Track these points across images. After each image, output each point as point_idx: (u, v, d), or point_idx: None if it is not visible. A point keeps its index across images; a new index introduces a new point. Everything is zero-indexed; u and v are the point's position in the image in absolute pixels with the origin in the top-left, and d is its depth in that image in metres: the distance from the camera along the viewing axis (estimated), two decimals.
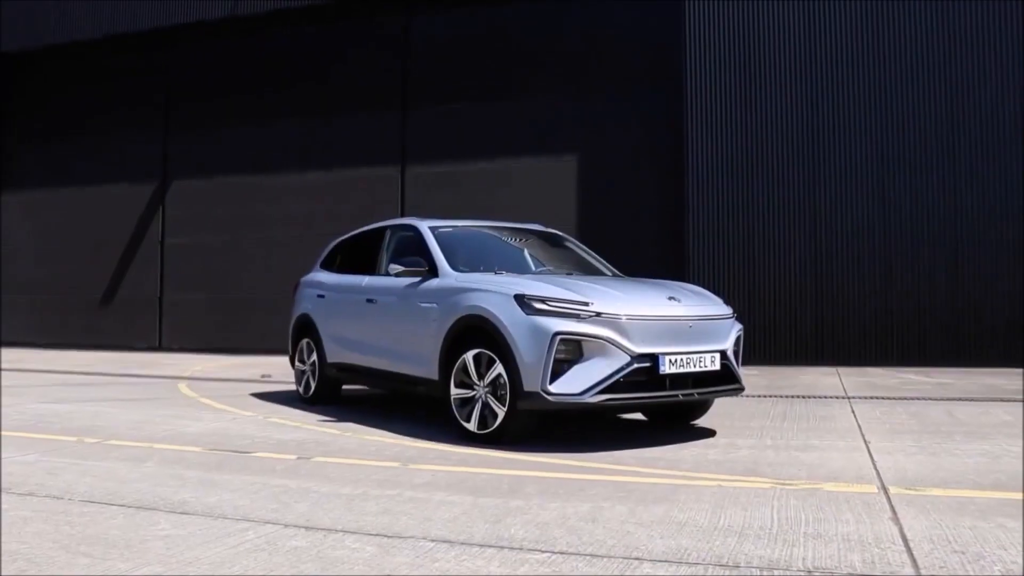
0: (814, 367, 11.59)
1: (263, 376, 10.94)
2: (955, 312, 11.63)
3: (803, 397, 8.37)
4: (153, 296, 16.86)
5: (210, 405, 8.01)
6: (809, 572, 2.87)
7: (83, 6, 16.57)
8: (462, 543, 3.26)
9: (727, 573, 2.88)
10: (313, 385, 8.03)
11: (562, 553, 3.12)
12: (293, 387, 8.61)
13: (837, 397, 8.33)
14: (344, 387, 8.35)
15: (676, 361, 5.39)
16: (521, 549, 3.18)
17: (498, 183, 14.05)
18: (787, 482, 4.35)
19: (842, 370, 11.11)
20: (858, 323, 11.93)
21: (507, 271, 6.37)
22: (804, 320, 12.06)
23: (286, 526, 3.51)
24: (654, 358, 5.31)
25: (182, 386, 9.85)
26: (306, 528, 3.48)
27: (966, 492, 4.08)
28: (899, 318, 11.79)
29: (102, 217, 17.24)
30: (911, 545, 3.17)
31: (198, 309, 16.44)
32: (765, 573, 2.87)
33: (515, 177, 14.02)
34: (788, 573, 2.87)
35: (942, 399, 8.10)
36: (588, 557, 3.07)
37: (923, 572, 2.85)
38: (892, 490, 4.13)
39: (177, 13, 15.85)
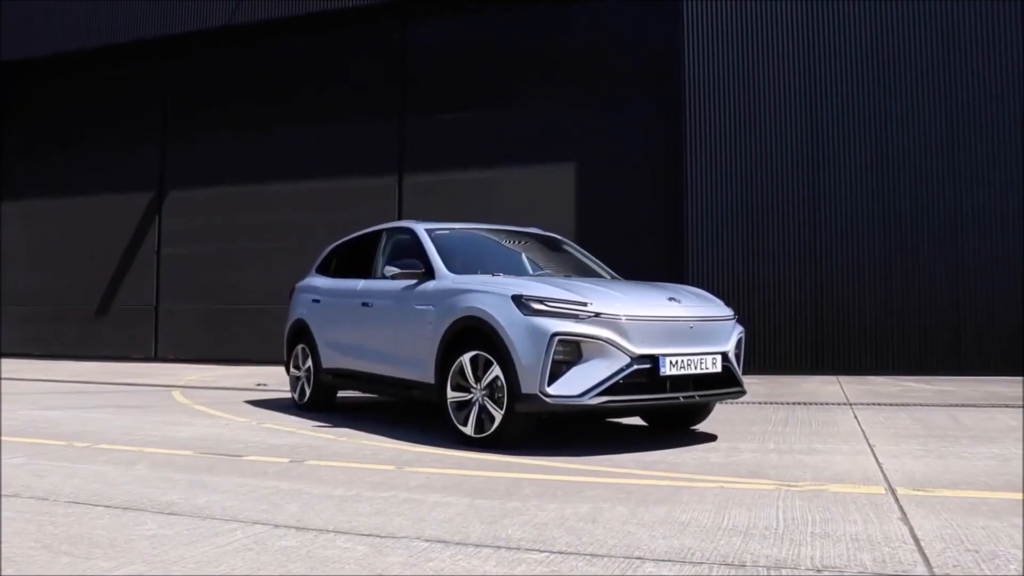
0: (814, 376, 11.47)
1: (258, 384, 10.83)
2: (956, 320, 11.52)
3: (804, 404, 8.26)
4: (149, 306, 16.74)
5: (204, 411, 7.90)
6: (818, 571, 2.77)
7: (81, 15, 16.51)
8: (457, 543, 3.16)
9: (733, 572, 2.77)
10: (308, 391, 7.92)
11: (561, 553, 3.02)
12: (289, 395, 8.50)
13: (839, 404, 8.22)
14: (342, 394, 8.25)
15: (677, 363, 5.29)
16: (519, 549, 3.07)
17: (496, 191, 13.96)
18: (792, 484, 4.24)
19: (842, 378, 11.00)
20: (858, 331, 11.81)
21: (504, 274, 6.25)
22: (804, 328, 11.95)
23: (276, 526, 3.40)
24: (654, 359, 5.21)
25: (176, 394, 9.74)
26: (296, 528, 3.37)
27: (977, 493, 3.97)
28: (900, 326, 11.68)
29: (99, 227, 17.12)
30: (922, 544, 3.06)
31: (195, 319, 16.31)
32: (772, 572, 2.76)
33: (513, 185, 13.93)
34: (796, 572, 2.76)
35: (945, 405, 7.99)
36: (588, 557, 2.96)
37: (936, 570, 2.75)
38: (900, 491, 4.02)
39: (175, 22, 15.79)
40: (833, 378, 11.08)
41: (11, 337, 17.55)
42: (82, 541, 3.15)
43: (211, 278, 16.14)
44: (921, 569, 2.77)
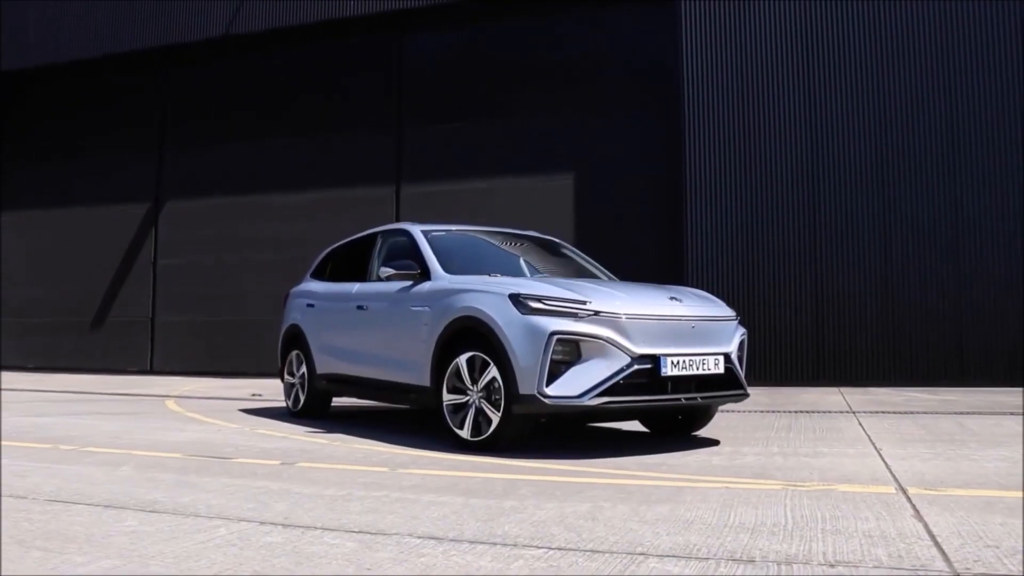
0: (814, 387, 11.31)
1: (253, 395, 10.67)
2: (959, 331, 11.38)
3: (807, 412, 8.11)
4: (145, 318, 16.58)
5: (196, 418, 7.75)
6: (831, 566, 2.62)
7: (80, 25, 16.45)
8: (451, 540, 3.01)
9: (742, 567, 2.63)
10: (302, 398, 7.76)
11: (560, 549, 2.87)
12: (284, 404, 8.34)
13: (842, 412, 8.08)
14: (339, 402, 8.09)
15: (678, 363, 5.14)
16: (515, 546, 2.93)
17: (494, 202, 13.85)
18: (798, 484, 4.10)
19: (844, 389, 10.85)
20: (859, 343, 11.67)
21: (501, 275, 6.11)
22: (804, 340, 11.80)
23: (262, 523, 3.26)
24: (655, 359, 5.06)
25: (169, 403, 9.58)
26: (283, 525, 3.23)
27: (991, 492, 3.83)
28: (901, 337, 11.54)
29: (95, 237, 16.98)
30: (939, 540, 2.92)
31: (191, 331, 16.15)
32: (784, 567, 2.62)
33: (512, 194, 13.82)
34: (808, 567, 2.62)
35: (950, 413, 7.84)
36: (588, 553, 2.82)
37: (957, 565, 2.61)
38: (911, 490, 3.87)
39: (173, 32, 15.73)
40: (835, 389, 10.93)
41: (5, 349, 17.37)
42: (57, 537, 3.01)
43: (208, 289, 15.99)
44: (940, 564, 2.63)
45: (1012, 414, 7.64)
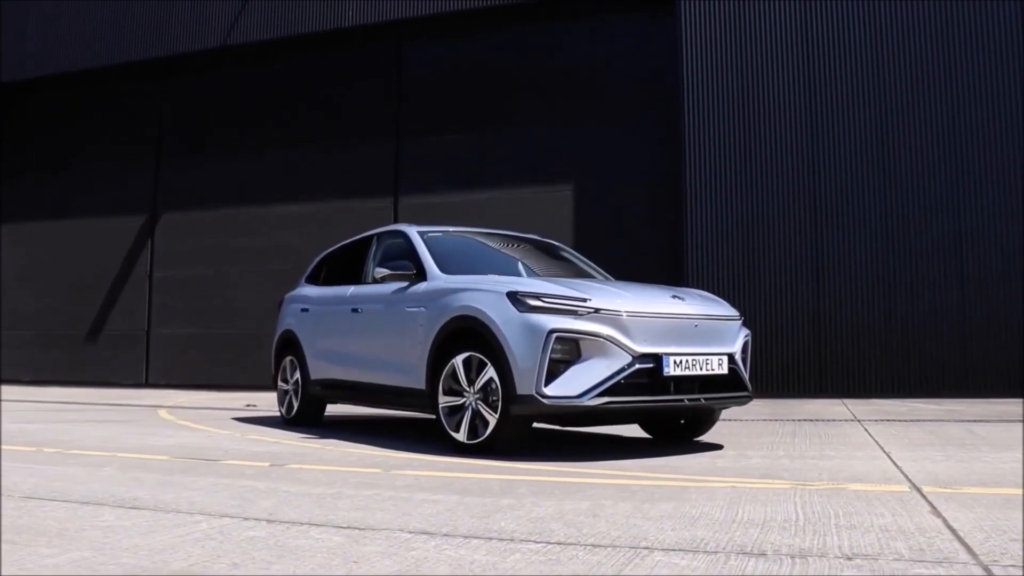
0: (815, 399, 11.13)
1: (248, 405, 10.51)
2: (962, 342, 11.21)
3: (811, 420, 7.94)
4: (141, 331, 16.40)
5: (187, 426, 7.58)
6: (848, 558, 2.46)
7: (76, 36, 16.38)
8: (444, 535, 2.85)
9: (753, 560, 2.47)
10: (296, 405, 7.59)
11: (559, 544, 2.71)
12: (278, 413, 8.16)
13: (847, 420, 7.91)
14: (335, 410, 7.92)
15: (681, 363, 4.98)
16: (512, 540, 2.77)
17: (493, 212, 13.69)
18: (808, 483, 3.94)
19: (846, 400, 10.68)
20: (861, 355, 11.49)
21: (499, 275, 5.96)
22: (804, 350, 11.63)
23: (245, 519, 3.10)
24: (657, 359, 4.90)
25: (162, 412, 9.41)
26: (268, 521, 3.06)
27: (1010, 490, 3.66)
28: (903, 349, 11.37)
29: (91, 250, 16.82)
30: (961, 535, 2.76)
31: (187, 344, 15.96)
32: (798, 560, 2.46)
33: (511, 205, 13.68)
34: (824, 560, 2.46)
35: (958, 420, 7.68)
36: (589, 547, 2.66)
37: (983, 558, 2.44)
38: (925, 489, 3.71)
39: (170, 43, 15.65)
40: (837, 400, 10.75)
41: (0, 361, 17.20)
42: (28, 531, 2.85)
43: (204, 302, 15.81)
44: (964, 556, 2.47)
45: (1020, 422, 7.47)
